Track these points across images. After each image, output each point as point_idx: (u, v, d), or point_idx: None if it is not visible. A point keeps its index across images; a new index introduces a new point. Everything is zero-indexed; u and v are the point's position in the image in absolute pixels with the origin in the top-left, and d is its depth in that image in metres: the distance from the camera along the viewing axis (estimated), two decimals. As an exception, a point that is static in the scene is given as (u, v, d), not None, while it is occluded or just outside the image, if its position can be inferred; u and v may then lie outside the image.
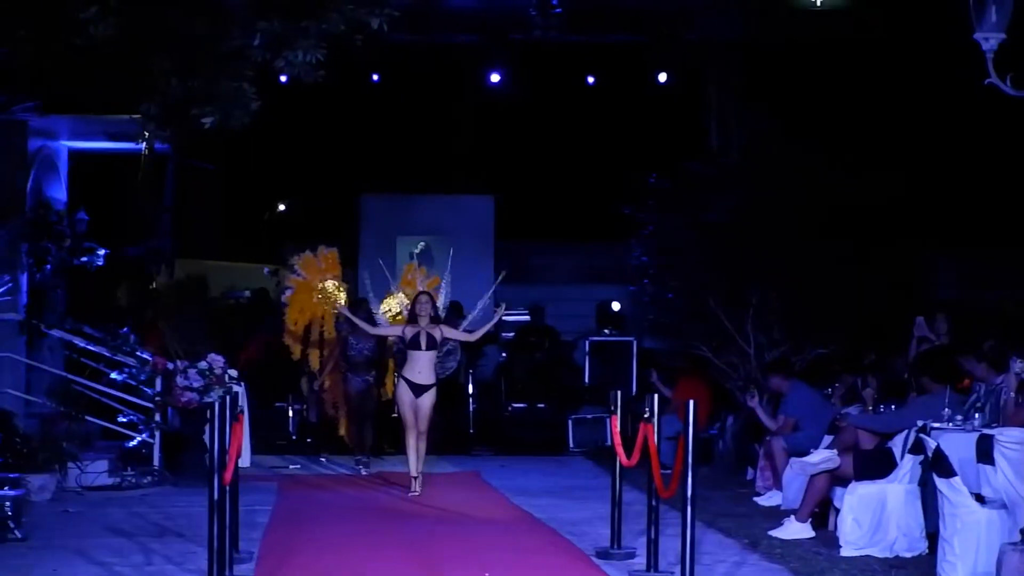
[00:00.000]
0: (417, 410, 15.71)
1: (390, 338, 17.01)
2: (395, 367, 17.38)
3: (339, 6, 13.01)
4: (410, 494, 15.62)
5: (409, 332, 15.78)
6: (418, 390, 15.67)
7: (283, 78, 14.99)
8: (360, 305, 17.80)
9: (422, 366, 15.70)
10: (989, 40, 12.59)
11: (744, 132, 20.32)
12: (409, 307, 16.22)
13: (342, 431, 18.83)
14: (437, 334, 15.82)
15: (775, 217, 17.75)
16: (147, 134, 16.50)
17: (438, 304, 16.45)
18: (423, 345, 15.67)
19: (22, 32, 12.90)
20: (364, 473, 17.63)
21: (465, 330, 16.64)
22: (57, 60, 13.26)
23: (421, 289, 16.81)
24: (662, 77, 22.80)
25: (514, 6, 21.21)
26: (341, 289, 18.82)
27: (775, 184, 18.02)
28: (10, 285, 15.97)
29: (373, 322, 17.15)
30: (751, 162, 18.93)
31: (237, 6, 12.99)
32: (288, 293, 18.87)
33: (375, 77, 23.17)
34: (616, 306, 23.35)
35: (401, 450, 16.45)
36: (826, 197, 17.69)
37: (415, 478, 15.78)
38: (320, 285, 18.66)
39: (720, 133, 22.20)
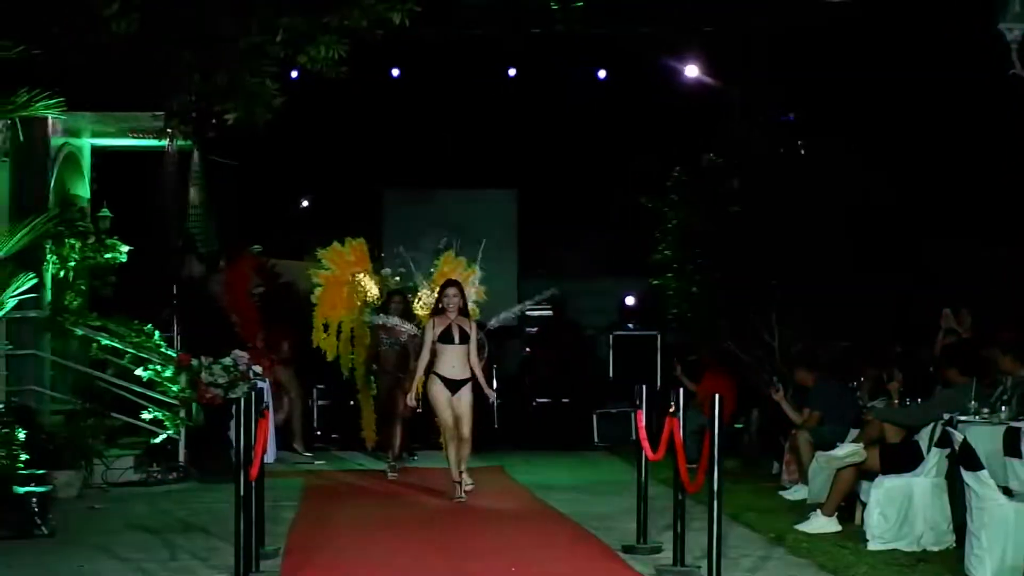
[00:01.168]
0: (456, 409, 14.69)
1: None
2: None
3: (361, 2, 13.01)
4: (455, 499, 14.72)
5: (439, 326, 14.78)
6: (454, 386, 14.68)
7: (299, 74, 15.02)
8: (393, 298, 17.31)
9: (455, 360, 14.69)
10: (1013, 30, 12.55)
11: (765, 125, 20.25)
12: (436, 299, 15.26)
13: (365, 432, 18.51)
14: (468, 327, 14.90)
15: (798, 210, 17.72)
16: (170, 131, 16.55)
17: (468, 294, 15.82)
18: (455, 338, 14.69)
19: (45, 29, 12.91)
20: (392, 477, 16.83)
21: (479, 344, 15.59)
22: (80, 57, 13.28)
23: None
24: (688, 70, 22.83)
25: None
26: (374, 281, 18.09)
27: (798, 176, 18.00)
28: (35, 282, 15.97)
29: (409, 314, 16.89)
30: (773, 155, 18.87)
31: (259, 2, 13.00)
32: (317, 291, 18.09)
33: (396, 72, 23.20)
34: (631, 300, 23.35)
35: (429, 446, 16.70)
36: (850, 189, 17.65)
37: (458, 482, 14.83)
38: (350, 278, 18.00)
39: (742, 126, 22.12)
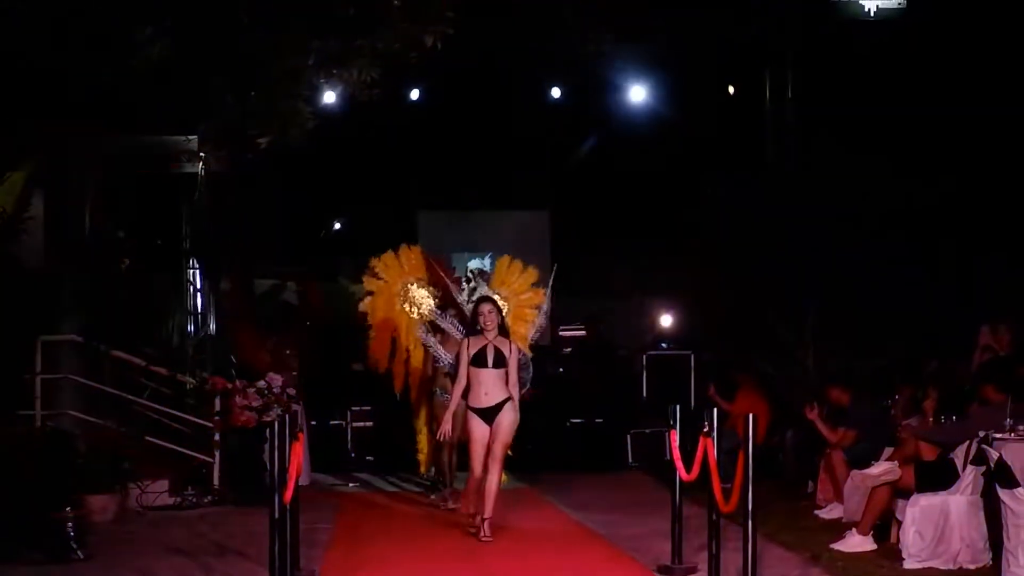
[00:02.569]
0: (495, 436, 13.43)
1: (442, 360, 15.36)
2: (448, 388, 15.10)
3: (393, 24, 13.06)
4: (482, 537, 13.45)
5: (473, 346, 13.56)
6: (489, 414, 13.48)
7: (333, 96, 15.03)
8: (447, 310, 15.94)
9: (488, 386, 13.45)
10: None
11: (800, 141, 20.24)
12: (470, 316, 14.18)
13: (421, 456, 17.25)
14: (506, 349, 13.56)
15: (832, 226, 17.70)
16: (204, 154, 16.62)
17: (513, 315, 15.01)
18: (489, 361, 13.45)
19: (80, 54, 12.99)
20: (451, 507, 15.66)
21: (523, 360, 14.47)
22: (114, 81, 13.35)
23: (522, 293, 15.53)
24: (725, 88, 22.91)
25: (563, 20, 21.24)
26: (429, 293, 16.81)
27: (832, 193, 17.98)
28: (71, 305, 16.06)
29: (465, 321, 15.16)
30: (808, 171, 18.85)
31: (292, 25, 13.05)
32: (367, 299, 17.01)
33: (430, 92, 23.24)
34: (668, 320, 23.30)
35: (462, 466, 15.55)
36: (884, 203, 17.63)
37: (486, 519, 13.53)
38: (403, 289, 16.82)
39: (776, 142, 22.12)
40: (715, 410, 11.63)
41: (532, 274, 16.55)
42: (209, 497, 16.13)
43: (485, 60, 21.19)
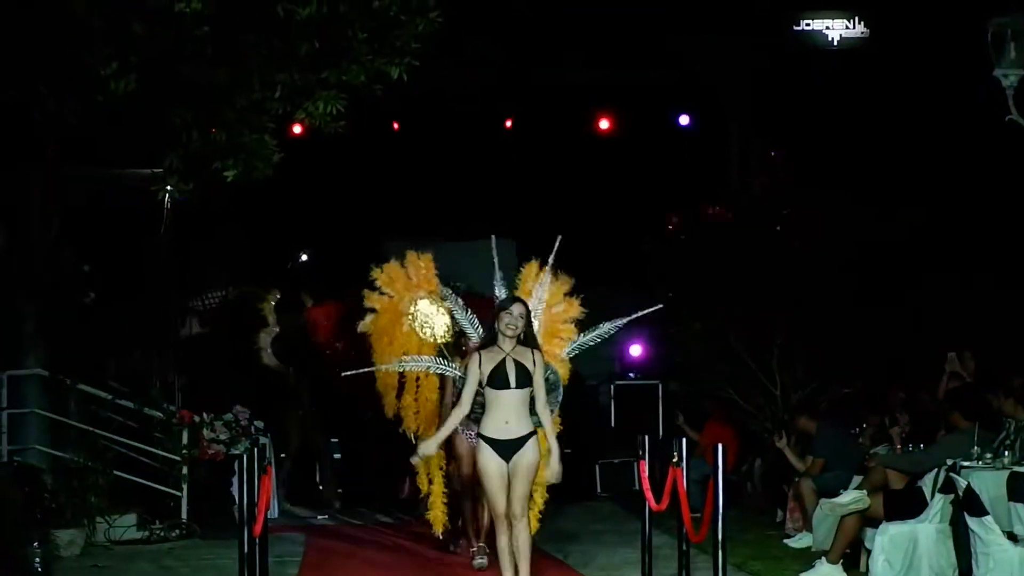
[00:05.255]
0: (513, 480, 10.63)
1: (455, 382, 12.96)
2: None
3: (359, 57, 13.07)
4: None
5: (488, 361, 10.62)
6: (508, 449, 10.62)
7: (301, 129, 15.01)
8: (465, 339, 13.51)
9: (510, 413, 10.58)
10: (1009, 77, 12.66)
11: (764, 172, 20.32)
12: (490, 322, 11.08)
13: (433, 512, 14.48)
14: (530, 362, 10.66)
15: (797, 256, 17.75)
16: (169, 187, 16.57)
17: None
18: (511, 379, 10.55)
19: (44, 88, 12.96)
20: (479, 564, 13.57)
21: (552, 379, 11.94)
22: (79, 115, 13.33)
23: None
24: (683, 119, 23.03)
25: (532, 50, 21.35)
26: (441, 309, 13.92)
27: (796, 223, 18.04)
28: (36, 339, 15.99)
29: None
30: (771, 202, 18.90)
31: (257, 59, 13.05)
32: (368, 318, 14.28)
33: (395, 124, 23.24)
34: (638, 349, 23.30)
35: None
36: (848, 234, 17.69)
37: None
38: (411, 306, 13.96)
39: (740, 173, 22.20)
40: (684, 440, 11.64)
41: (565, 281, 13.59)
42: (177, 531, 16.06)
43: (449, 91, 21.27)
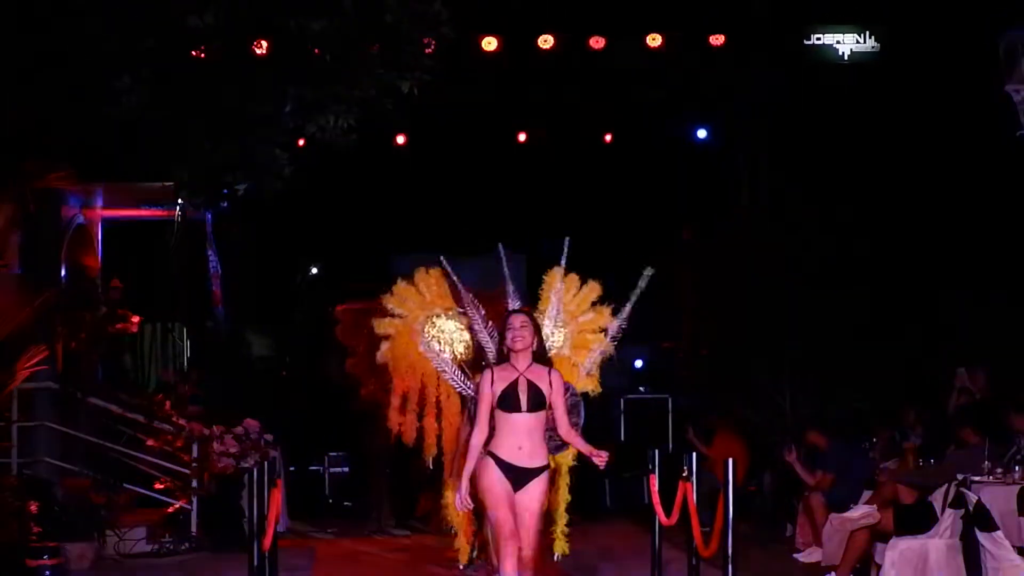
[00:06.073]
0: (518, 512, 9.72)
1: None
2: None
3: (370, 71, 13.10)
4: None
5: (500, 380, 9.76)
6: (519, 477, 9.72)
7: (305, 142, 15.05)
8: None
9: (522, 438, 9.71)
10: (1020, 91, 12.67)
11: (775, 187, 20.33)
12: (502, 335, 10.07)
13: (460, 542, 13.56)
14: (545, 384, 9.78)
15: (807, 271, 17.76)
16: (181, 201, 16.63)
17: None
18: (522, 402, 9.69)
19: (57, 102, 13.00)
20: None
21: (571, 401, 10.91)
22: (91, 129, 13.37)
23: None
24: (700, 134, 23.08)
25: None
26: (460, 325, 13.22)
27: (806, 238, 18.05)
28: (46, 353, 16.01)
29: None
30: (781, 216, 18.92)
31: (268, 73, 13.09)
32: (384, 346, 13.44)
33: (404, 138, 23.28)
34: (642, 363, 23.30)
35: None
36: (859, 249, 17.70)
37: None
38: (427, 324, 13.20)
39: (751, 189, 22.21)
40: (694, 454, 11.64)
41: (594, 288, 13.11)
42: (187, 544, 16.05)
43: (460, 105, 21.29)
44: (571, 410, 10.59)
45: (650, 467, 12.44)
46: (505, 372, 9.72)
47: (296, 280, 27.03)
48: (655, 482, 12.24)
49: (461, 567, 13.63)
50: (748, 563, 13.55)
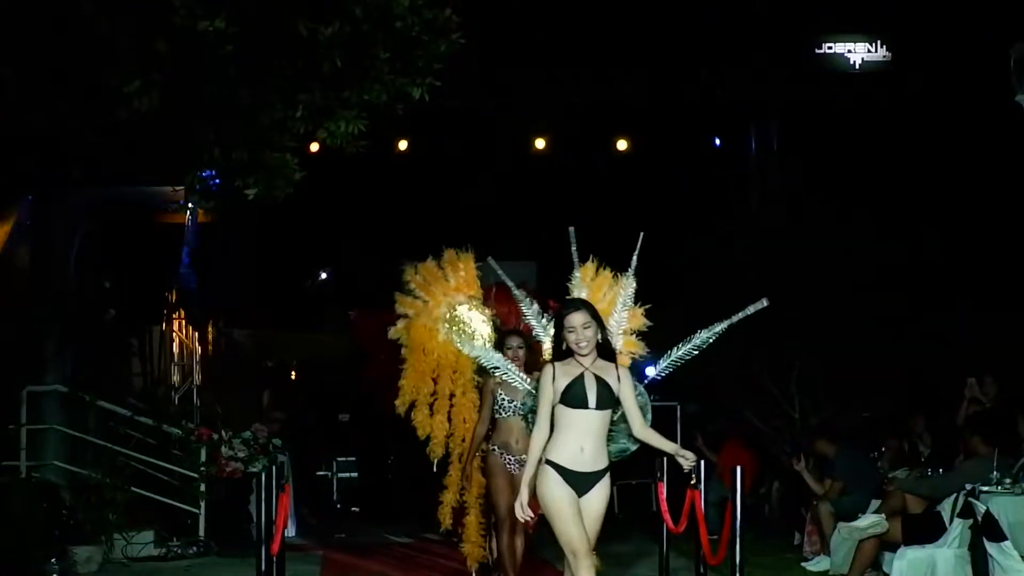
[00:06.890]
0: (584, 520, 8.94)
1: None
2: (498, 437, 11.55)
3: (381, 76, 13.08)
4: None
5: (562, 375, 8.86)
6: (581, 483, 8.88)
7: (319, 147, 15.05)
8: (509, 340, 11.64)
9: (586, 438, 8.83)
10: (1030, 102, 12.65)
11: (785, 195, 20.32)
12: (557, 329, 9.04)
13: (468, 546, 12.90)
14: (614, 379, 8.94)
15: (817, 279, 17.72)
16: (190, 205, 16.63)
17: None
18: (590, 399, 8.80)
19: (67, 106, 13.00)
20: None
21: (640, 400, 9.70)
22: (101, 133, 13.36)
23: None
24: (714, 141, 23.11)
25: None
26: (485, 317, 12.50)
27: (816, 246, 18.02)
28: (55, 357, 16.02)
29: (535, 365, 11.00)
30: (792, 225, 18.90)
31: (279, 77, 13.07)
32: (400, 323, 12.70)
33: (416, 144, 23.29)
34: (651, 371, 23.29)
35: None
36: (869, 258, 17.67)
37: None
38: (448, 310, 12.47)
39: (761, 196, 22.21)
40: (702, 462, 11.62)
41: (626, 285, 11.72)
42: (194, 548, 16.06)
43: (471, 111, 21.31)
44: (642, 408, 9.63)
45: (658, 475, 12.42)
46: (569, 367, 8.84)
47: (306, 284, 27.07)
48: (663, 490, 12.22)
49: (472, 572, 13.16)
50: (756, 571, 13.55)
